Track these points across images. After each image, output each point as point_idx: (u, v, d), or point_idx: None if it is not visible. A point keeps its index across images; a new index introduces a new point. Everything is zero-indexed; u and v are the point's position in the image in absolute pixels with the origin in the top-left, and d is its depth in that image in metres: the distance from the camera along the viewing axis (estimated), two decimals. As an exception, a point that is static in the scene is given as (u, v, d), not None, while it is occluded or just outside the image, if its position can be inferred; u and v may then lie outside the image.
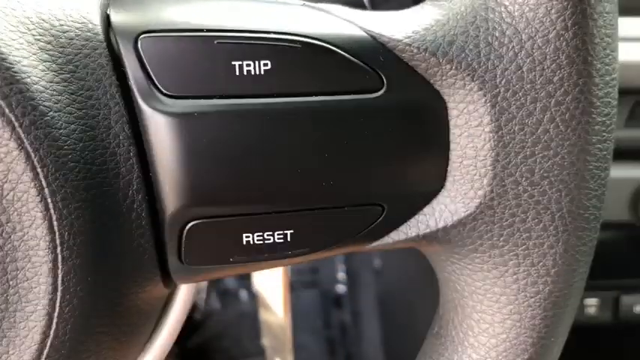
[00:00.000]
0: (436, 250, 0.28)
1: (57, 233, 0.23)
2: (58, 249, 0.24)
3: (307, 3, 0.27)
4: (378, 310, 1.08)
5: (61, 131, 0.23)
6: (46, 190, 0.23)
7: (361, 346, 1.09)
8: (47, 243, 0.23)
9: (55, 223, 0.23)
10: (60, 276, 0.24)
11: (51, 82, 0.23)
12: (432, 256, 0.29)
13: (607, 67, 0.25)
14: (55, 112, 0.23)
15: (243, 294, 1.01)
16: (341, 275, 1.13)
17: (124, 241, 0.25)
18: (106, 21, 0.25)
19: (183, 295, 0.32)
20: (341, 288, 1.13)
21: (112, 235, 0.25)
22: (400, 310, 1.01)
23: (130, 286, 0.26)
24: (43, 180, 0.23)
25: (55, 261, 0.24)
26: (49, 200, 0.23)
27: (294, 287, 1.11)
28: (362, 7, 0.40)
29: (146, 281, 0.26)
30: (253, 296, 1.00)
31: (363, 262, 1.09)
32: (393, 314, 1.04)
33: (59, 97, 0.23)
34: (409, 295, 0.96)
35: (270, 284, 0.91)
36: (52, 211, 0.23)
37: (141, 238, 0.25)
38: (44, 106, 0.23)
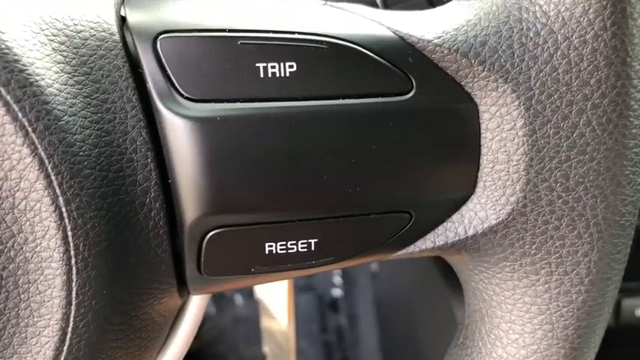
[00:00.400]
0: (464, 258, 0.27)
1: (71, 244, 0.22)
2: (73, 260, 0.22)
3: (329, 2, 0.26)
4: (375, 313, 1.07)
5: (75, 136, 0.22)
6: (61, 199, 0.22)
7: (358, 351, 1.08)
8: (61, 254, 0.22)
9: (69, 233, 0.22)
10: (74, 289, 0.23)
11: (65, 85, 0.22)
12: (459, 265, 0.28)
13: None
14: (70, 116, 0.22)
15: (239, 298, 1.00)
16: (337, 279, 1.12)
17: (141, 252, 0.24)
18: (121, 20, 0.24)
19: (197, 305, 0.31)
20: (337, 292, 1.12)
21: (128, 245, 0.23)
22: (397, 314, 1.00)
23: (145, 298, 0.25)
24: (57, 188, 0.22)
25: (69, 273, 0.22)
26: (64, 209, 0.22)
27: (290, 291, 1.10)
28: (374, 7, 0.39)
29: (162, 293, 0.25)
30: (249, 301, 0.99)
31: (360, 265, 1.08)
32: (390, 318, 1.03)
33: (74, 101, 0.22)
34: (406, 298, 0.95)
35: (273, 290, 0.90)
36: (66, 220, 0.22)
37: (158, 248, 0.24)
38: (58, 110, 0.22)
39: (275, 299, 0.92)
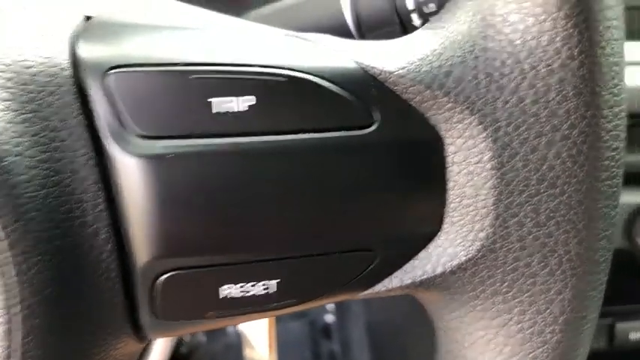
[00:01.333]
0: (433, 297, 0.26)
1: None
2: (18, 308, 0.21)
3: (291, 32, 0.25)
4: (368, 339, 1.06)
5: (21, 177, 0.21)
6: (4, 243, 0.21)
7: (351, 377, 1.06)
8: (3, 302, 0.21)
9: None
10: (19, 339, 0.21)
11: (10, 123, 0.21)
12: (429, 305, 0.27)
13: (615, 98, 0.23)
14: (15, 156, 0.21)
15: (230, 327, 0.99)
16: (329, 305, 1.11)
17: (92, 297, 0.23)
18: (74, 55, 0.23)
19: (161, 346, 0.30)
20: (330, 317, 1.11)
21: (77, 291, 0.22)
22: (390, 340, 0.99)
23: (99, 345, 0.24)
24: (0, 232, 0.21)
25: (10, 322, 0.21)
26: (8, 254, 0.21)
27: (282, 318, 1.09)
28: (349, 36, 0.38)
29: (117, 339, 0.24)
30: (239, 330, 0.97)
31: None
32: (383, 344, 1.02)
33: (19, 140, 0.21)
34: (399, 324, 0.94)
35: (255, 322, 0.88)
36: (10, 266, 0.21)
37: (110, 293, 0.23)
38: (2, 149, 0.21)
39: (257, 330, 0.91)
